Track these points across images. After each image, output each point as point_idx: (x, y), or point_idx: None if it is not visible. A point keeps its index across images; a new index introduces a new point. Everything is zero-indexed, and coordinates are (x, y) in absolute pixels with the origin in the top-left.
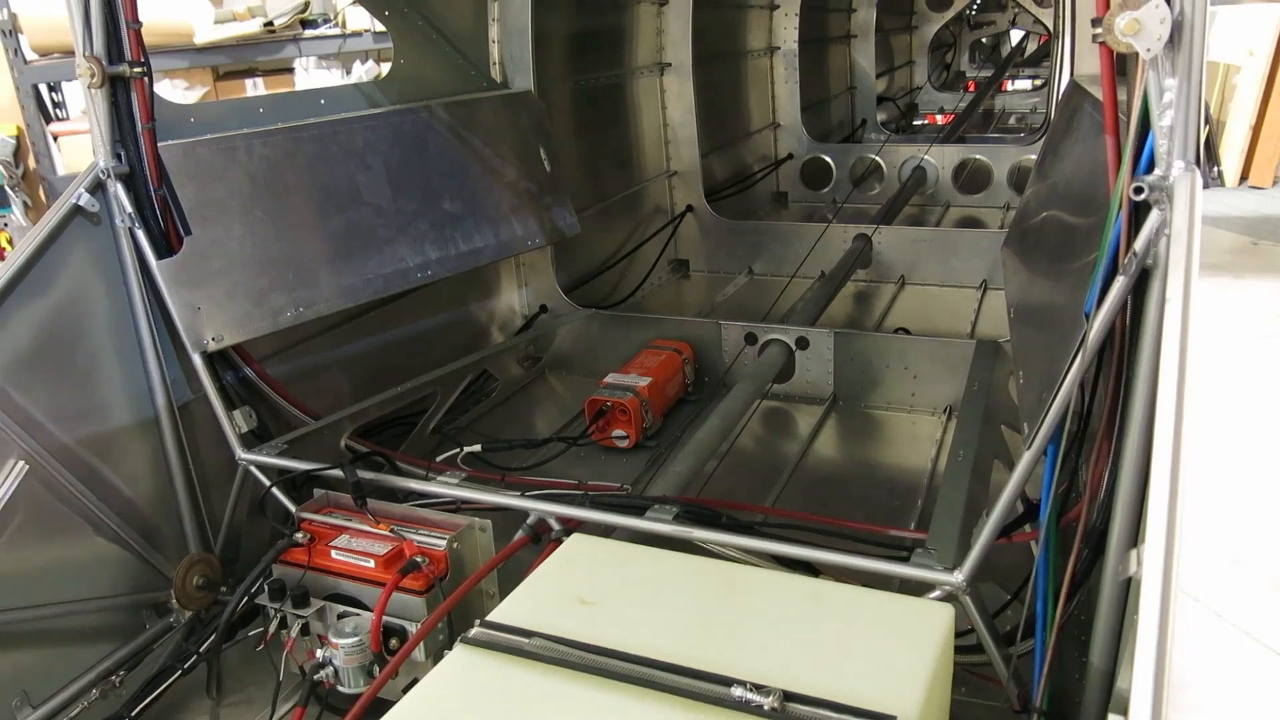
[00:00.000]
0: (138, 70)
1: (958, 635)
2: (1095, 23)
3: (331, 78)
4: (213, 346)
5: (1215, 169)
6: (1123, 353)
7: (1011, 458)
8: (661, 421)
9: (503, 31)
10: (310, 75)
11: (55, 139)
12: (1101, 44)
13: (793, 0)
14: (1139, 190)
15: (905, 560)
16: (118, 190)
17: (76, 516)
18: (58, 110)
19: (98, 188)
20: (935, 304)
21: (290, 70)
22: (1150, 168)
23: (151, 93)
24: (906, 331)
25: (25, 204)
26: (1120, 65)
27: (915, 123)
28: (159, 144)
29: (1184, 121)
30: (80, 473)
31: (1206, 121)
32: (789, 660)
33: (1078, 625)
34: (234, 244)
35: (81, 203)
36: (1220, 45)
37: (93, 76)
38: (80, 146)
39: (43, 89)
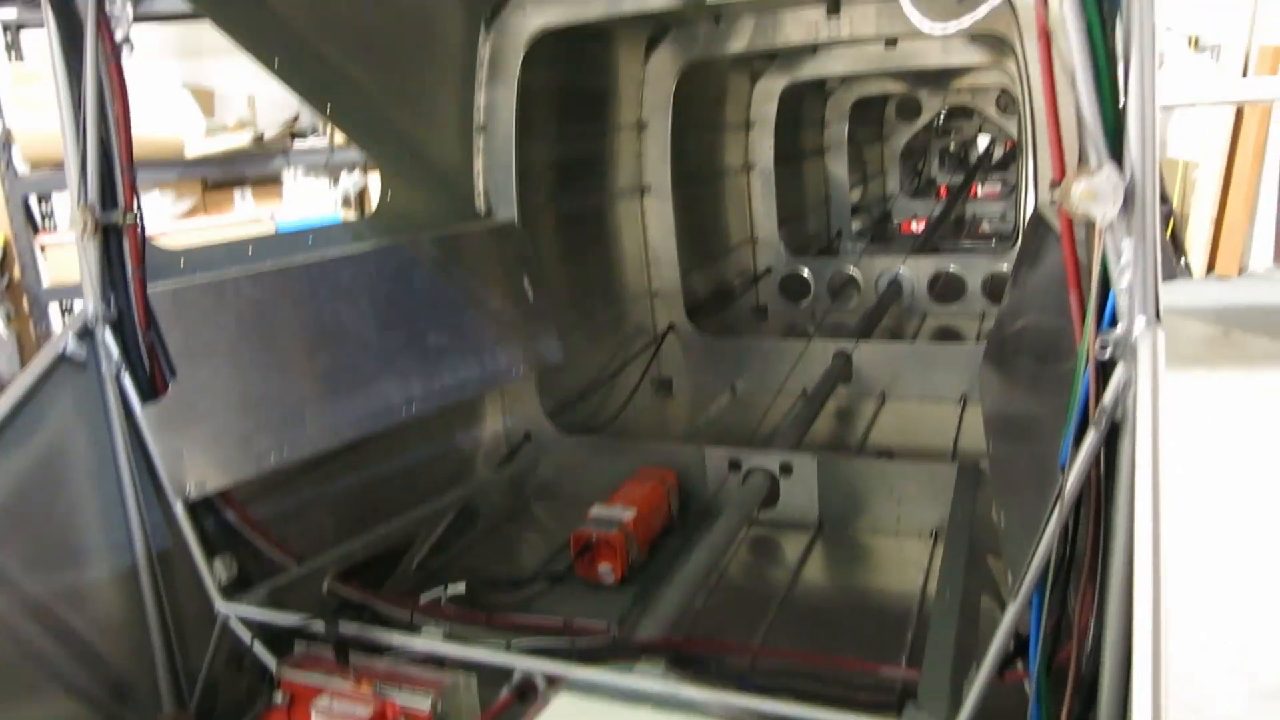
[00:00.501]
0: (130, 218)
1: None
2: (1053, 186)
3: (319, 186)
4: (195, 494)
5: (1182, 260)
6: (1099, 503)
7: (999, 588)
8: (648, 553)
9: (487, 163)
10: (298, 185)
11: (42, 249)
12: (1060, 207)
13: (767, 119)
14: (1104, 347)
15: (897, 714)
16: (105, 336)
17: (43, 675)
18: (46, 221)
19: (85, 334)
20: (916, 420)
21: (278, 181)
22: (1114, 322)
23: (143, 239)
24: (889, 454)
25: (7, 315)
26: None
27: (890, 228)
28: (148, 288)
29: (1142, 281)
30: (51, 626)
31: (1170, 215)
32: None
33: None
34: (220, 386)
35: (68, 351)
36: (1178, 143)
37: (86, 226)
38: (67, 258)
39: (32, 199)
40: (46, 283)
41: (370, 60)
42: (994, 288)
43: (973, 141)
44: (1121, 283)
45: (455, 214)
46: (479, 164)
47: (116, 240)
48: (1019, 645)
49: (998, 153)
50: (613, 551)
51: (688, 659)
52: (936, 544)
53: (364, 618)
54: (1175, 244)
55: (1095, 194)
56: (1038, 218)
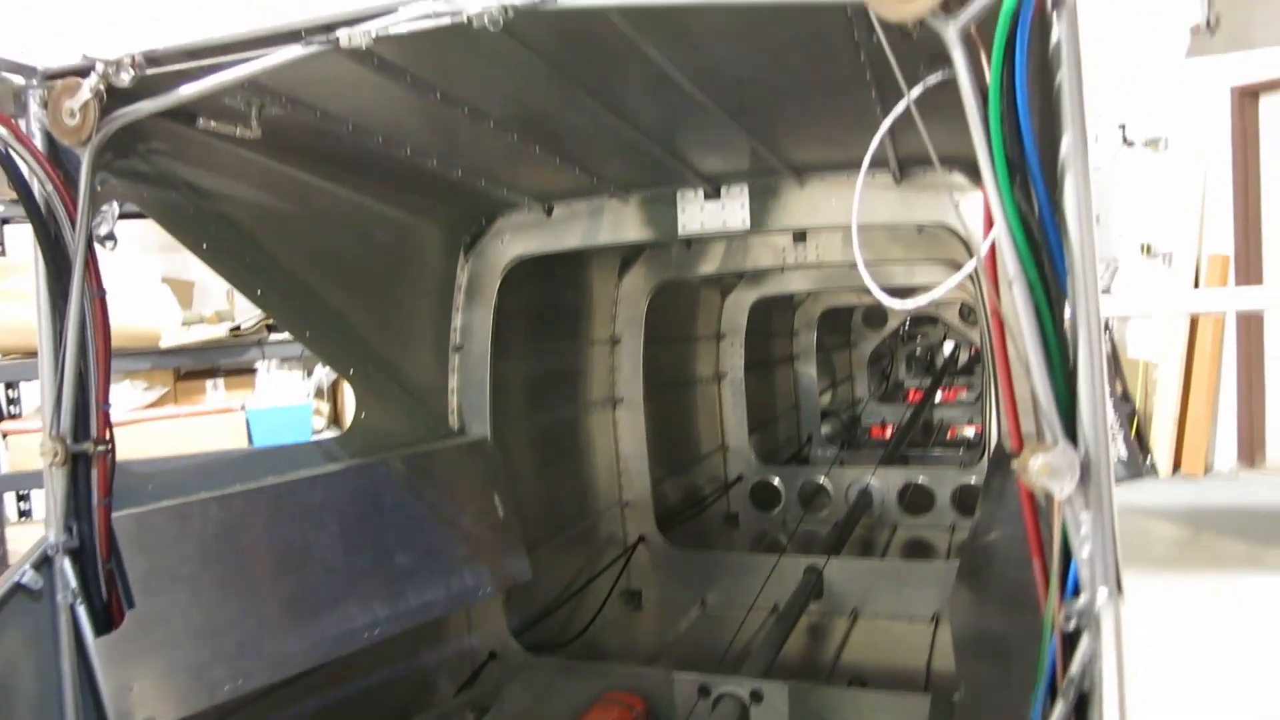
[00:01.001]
0: (101, 448)
1: None
2: (1012, 456)
3: (292, 378)
4: None
5: (1148, 459)
6: None
7: None
8: None
9: (462, 382)
10: (271, 376)
11: (4, 436)
12: (1019, 480)
13: (737, 330)
14: (1068, 618)
15: None
16: (64, 566)
17: None
18: (11, 407)
19: (43, 563)
20: (889, 639)
21: (252, 371)
22: (1076, 592)
23: (113, 467)
24: (862, 682)
25: None
26: None
27: (859, 432)
28: (113, 514)
29: (1102, 552)
30: None
31: (1134, 414)
32: None
33: None
34: (178, 615)
35: (24, 580)
36: (1138, 344)
37: (55, 455)
38: (29, 447)
39: None
40: (5, 468)
41: (352, 288)
42: (963, 500)
43: (938, 346)
44: (1083, 554)
45: (428, 431)
46: (454, 382)
47: (85, 468)
48: None
49: (962, 357)
50: None
51: None
52: None
53: None
54: (1141, 443)
55: (1052, 469)
56: (1001, 450)
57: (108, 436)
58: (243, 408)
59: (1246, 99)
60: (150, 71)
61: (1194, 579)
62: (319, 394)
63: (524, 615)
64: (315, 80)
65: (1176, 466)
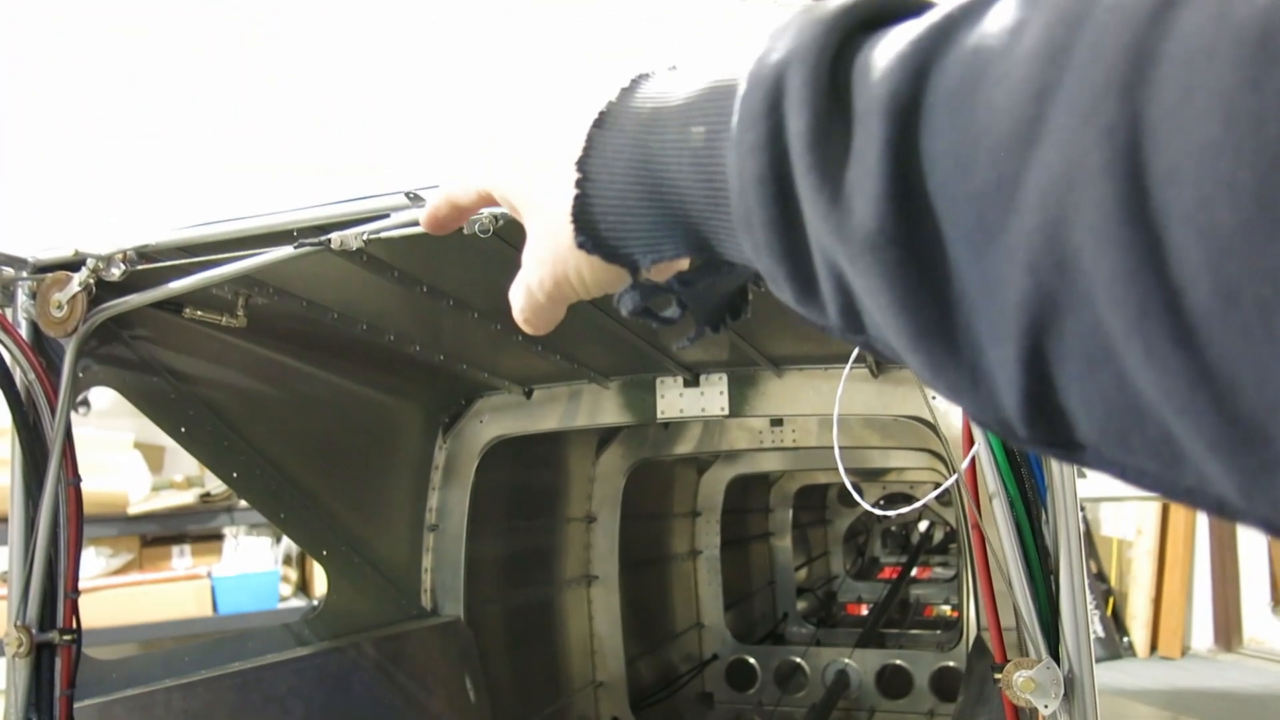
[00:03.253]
0: (67, 638)
1: None
2: (995, 668)
3: (260, 544)
4: None
5: (1125, 640)
6: None
7: None
8: None
9: (435, 561)
10: (239, 542)
11: None
12: (1003, 694)
13: (714, 507)
14: None
15: None
16: None
17: None
18: None
19: None
20: None
21: (220, 538)
22: None
23: (78, 657)
24: None
25: None
26: None
27: (835, 609)
28: (75, 705)
29: None
30: None
31: (1110, 593)
32: None
33: None
34: None
35: None
36: (1111, 523)
37: (20, 646)
38: None
39: None
40: None
41: (328, 470)
42: (941, 683)
43: (914, 524)
44: None
45: (400, 612)
46: (428, 561)
47: (49, 658)
48: None
49: (938, 535)
50: None
51: None
52: None
53: None
54: (1118, 623)
55: (1036, 685)
56: (979, 646)
57: (74, 626)
58: (209, 574)
59: None
60: (141, 267)
61: None
62: (287, 561)
63: None
64: (303, 274)
65: (1154, 647)
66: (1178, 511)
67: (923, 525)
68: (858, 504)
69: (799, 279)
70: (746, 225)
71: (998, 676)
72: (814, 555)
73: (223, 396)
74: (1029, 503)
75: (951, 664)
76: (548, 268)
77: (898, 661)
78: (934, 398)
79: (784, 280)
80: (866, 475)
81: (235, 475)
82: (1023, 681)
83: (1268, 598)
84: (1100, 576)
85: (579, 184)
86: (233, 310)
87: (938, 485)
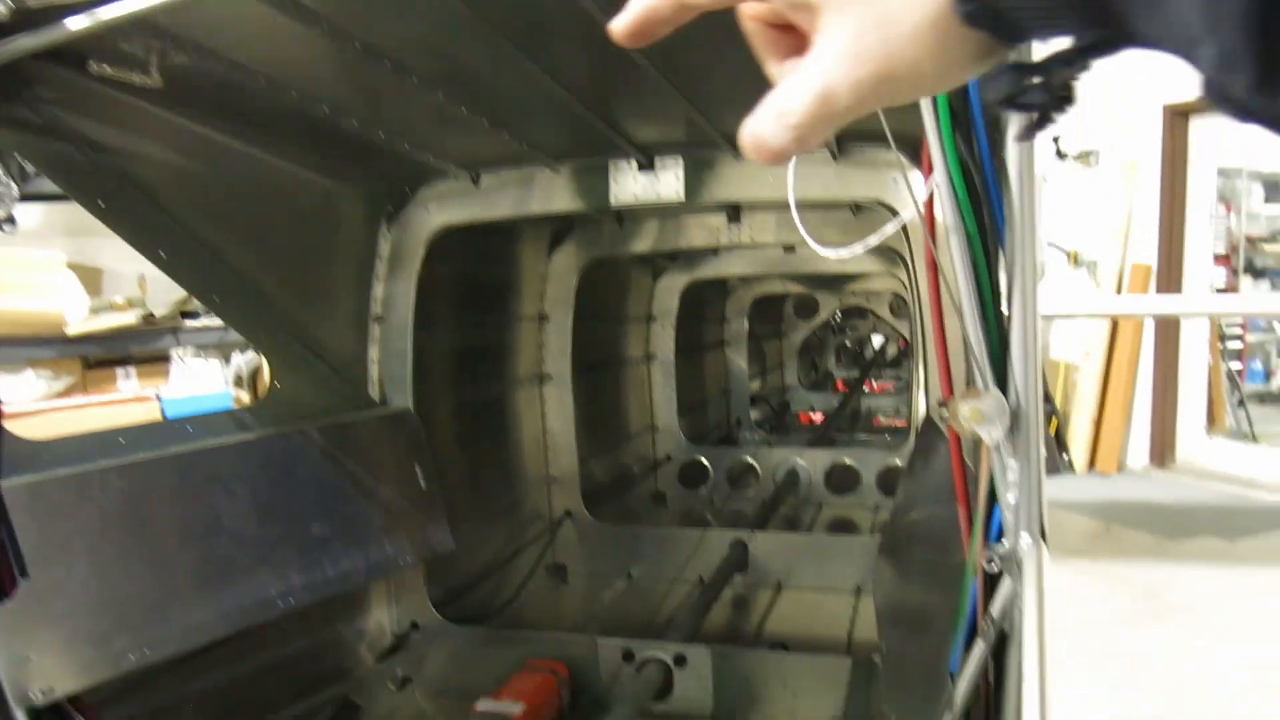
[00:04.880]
0: None
1: None
2: (941, 404)
3: (209, 366)
4: (42, 700)
5: (1065, 456)
6: (988, 712)
7: None
8: None
9: (383, 353)
10: (187, 364)
11: None
12: (948, 425)
13: (669, 313)
14: (990, 560)
15: None
16: None
17: None
18: None
19: None
20: (811, 610)
21: (166, 359)
22: (1000, 537)
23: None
24: (784, 646)
25: None
26: None
27: (788, 419)
28: (3, 482)
29: (1027, 499)
30: None
31: (1054, 414)
32: None
33: None
34: (77, 586)
35: None
36: (1060, 347)
37: None
38: None
39: None
40: None
41: (263, 254)
42: (887, 481)
43: (868, 339)
44: (1008, 499)
45: (346, 403)
46: (374, 353)
47: None
48: None
49: (891, 351)
50: None
51: None
52: None
53: None
54: (1059, 441)
55: (982, 415)
56: (929, 420)
57: None
58: (157, 397)
59: (1177, 118)
60: (31, 3)
61: (1103, 567)
62: (238, 382)
63: (447, 587)
64: (221, 25)
65: (1091, 464)
66: (1124, 336)
67: (876, 341)
68: (814, 317)
69: (1268, 62)
70: None
71: (945, 412)
72: (769, 366)
73: (146, 170)
74: (986, 238)
75: (898, 462)
76: (869, 66)
77: (846, 460)
78: (895, 179)
79: (1249, 60)
80: (824, 284)
81: (163, 255)
82: (969, 411)
83: (1203, 420)
84: (1046, 397)
85: None
86: (145, 67)
87: (896, 296)
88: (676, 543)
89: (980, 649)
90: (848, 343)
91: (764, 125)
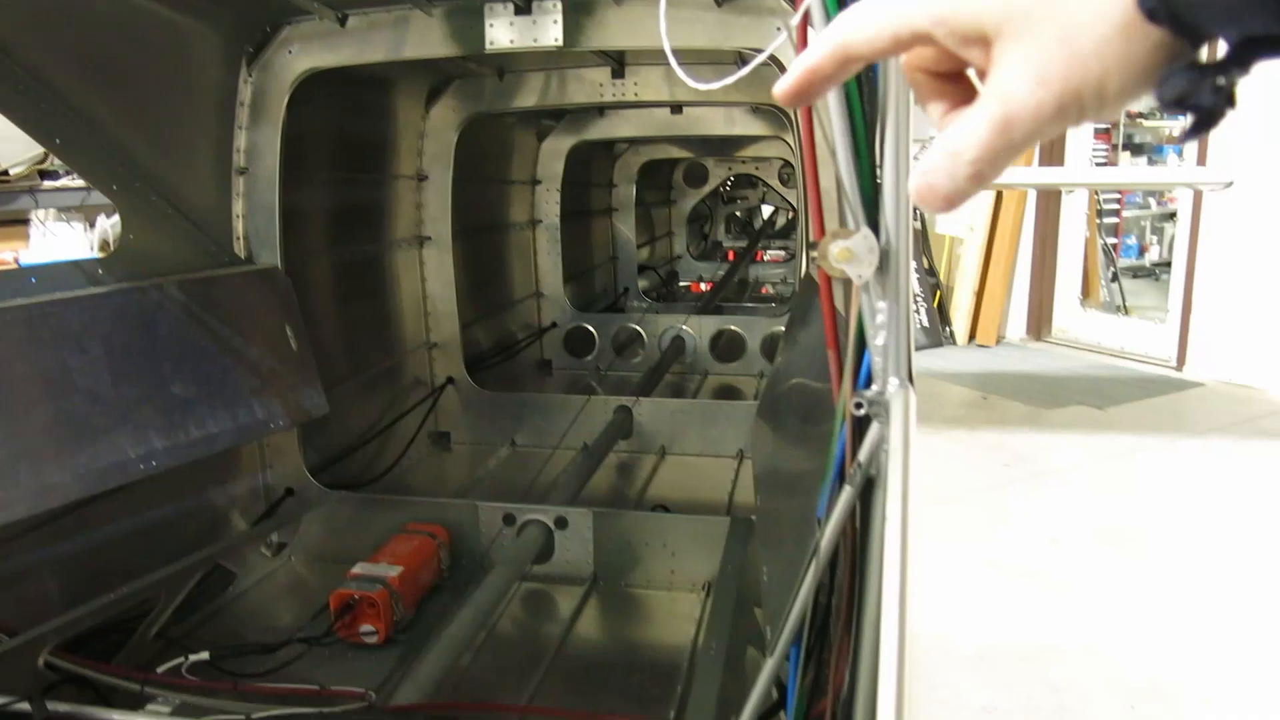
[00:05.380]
0: None
1: None
2: (811, 246)
3: (72, 231)
4: None
5: (947, 329)
6: (854, 557)
7: (765, 640)
8: (414, 612)
9: (248, 207)
10: (49, 227)
11: None
12: (819, 268)
13: (554, 177)
14: (859, 405)
15: None
16: None
17: None
18: None
19: None
20: (694, 475)
21: (25, 222)
22: (869, 382)
23: None
24: (665, 509)
25: None
26: None
27: (676, 288)
28: None
29: (895, 342)
30: None
31: (938, 287)
32: None
33: None
34: None
35: None
36: (945, 221)
37: None
38: None
39: None
40: None
41: (112, 95)
42: (773, 348)
43: (757, 209)
44: (876, 341)
45: (209, 258)
46: (238, 207)
47: None
48: (782, 698)
49: (780, 221)
50: (376, 611)
51: None
52: (709, 597)
53: (86, 695)
54: (942, 314)
55: (852, 254)
56: (808, 279)
57: None
58: (15, 261)
59: None
60: None
61: (980, 436)
62: (103, 248)
63: (323, 453)
64: None
65: (972, 336)
66: (1007, 210)
67: (766, 211)
68: (703, 185)
69: None
70: None
71: (814, 253)
72: (657, 235)
73: None
74: (861, 78)
75: (783, 329)
76: (1053, 86)
77: (733, 327)
78: (779, 28)
79: None
80: (712, 149)
81: None
82: (839, 251)
83: (1078, 292)
84: (930, 271)
85: None
86: None
87: (786, 163)
88: (561, 409)
89: (847, 494)
90: (737, 213)
91: (936, 167)
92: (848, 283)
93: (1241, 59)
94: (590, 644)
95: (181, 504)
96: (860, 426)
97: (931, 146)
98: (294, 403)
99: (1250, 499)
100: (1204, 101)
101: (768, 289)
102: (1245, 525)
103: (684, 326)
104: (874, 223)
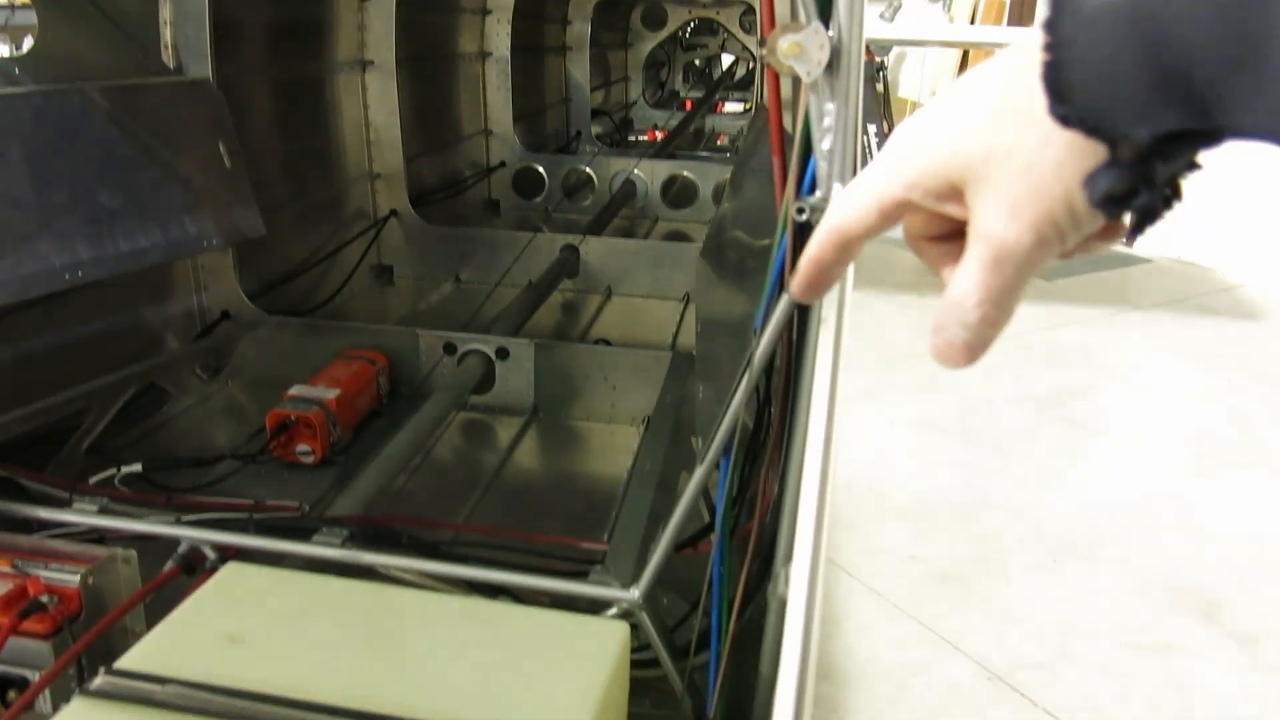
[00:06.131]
0: None
1: (640, 649)
2: (762, 43)
3: None
4: None
5: None
6: (789, 369)
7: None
8: (351, 436)
9: (176, 13)
10: None
11: None
12: (768, 66)
13: (505, 7)
14: (801, 211)
15: (585, 577)
16: None
17: None
18: None
19: None
20: (639, 316)
21: None
22: (814, 189)
23: None
24: (607, 343)
25: None
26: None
27: (630, 138)
28: None
29: (842, 145)
30: None
31: None
32: (456, 691)
33: (754, 634)
34: None
35: None
36: (908, 84)
37: None
38: None
39: None
40: None
41: None
42: (724, 195)
43: (717, 58)
44: (824, 144)
45: (134, 65)
46: (165, 13)
47: None
48: (713, 520)
49: (740, 71)
50: (312, 432)
51: (378, 533)
52: (648, 430)
53: (11, 497)
54: None
55: (801, 49)
56: (760, 107)
57: None
58: None
59: None
60: None
61: (927, 300)
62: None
63: (261, 279)
64: None
65: None
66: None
67: (725, 60)
68: (662, 29)
69: None
70: None
71: (764, 51)
72: (612, 79)
73: None
74: None
75: None
76: (1026, 215)
77: (686, 174)
78: None
79: None
80: None
81: None
82: (788, 46)
83: None
84: (892, 128)
85: (1049, 48)
86: None
87: (748, 8)
88: (507, 246)
89: (785, 303)
90: (696, 61)
91: (946, 323)
92: (797, 83)
93: (1163, 153)
94: (528, 473)
95: (112, 321)
96: (802, 234)
97: (939, 306)
98: (228, 222)
99: (1184, 372)
100: (1138, 202)
101: (724, 138)
102: (1175, 397)
103: (636, 171)
104: (825, 18)
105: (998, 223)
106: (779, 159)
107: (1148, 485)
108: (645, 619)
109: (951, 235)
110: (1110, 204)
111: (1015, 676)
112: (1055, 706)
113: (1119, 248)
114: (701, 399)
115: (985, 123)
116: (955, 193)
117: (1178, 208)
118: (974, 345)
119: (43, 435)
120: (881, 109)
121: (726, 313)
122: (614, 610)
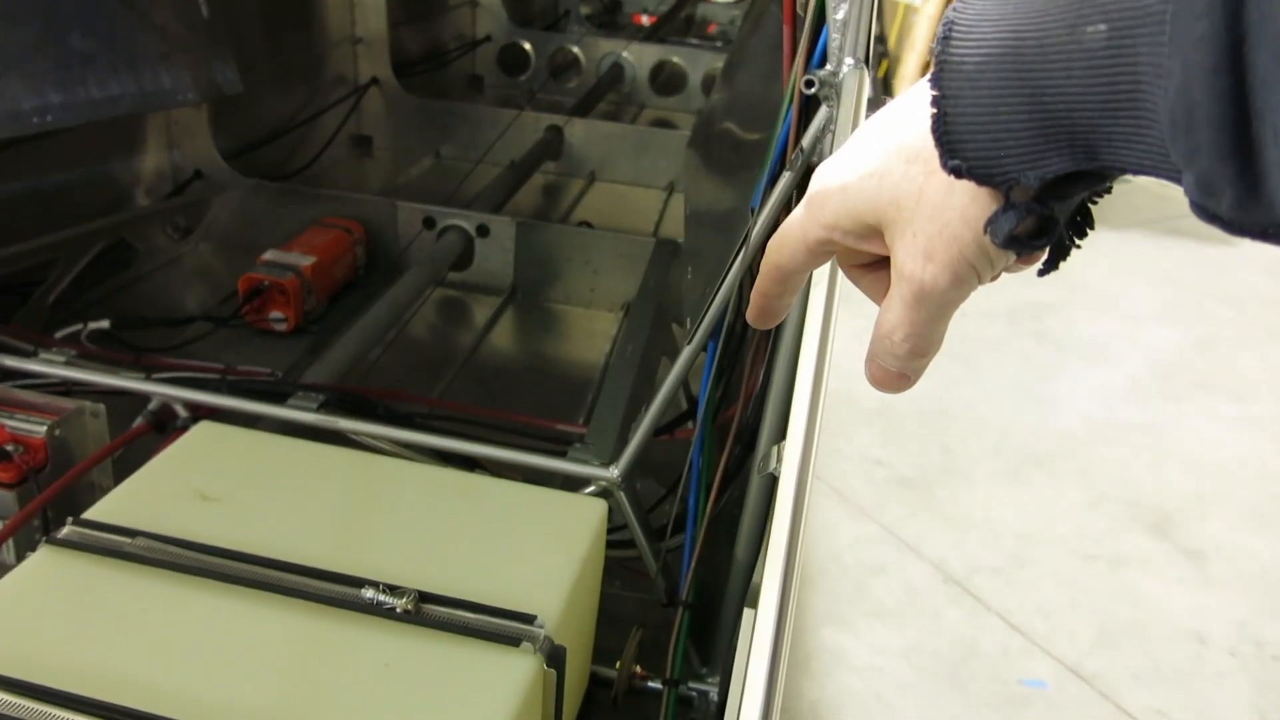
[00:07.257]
0: None
1: (615, 530)
2: None
3: None
4: None
5: (889, 101)
6: None
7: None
8: (326, 305)
9: None
10: None
11: None
12: None
13: None
14: (810, 84)
15: (563, 455)
16: None
17: None
18: None
19: None
20: (622, 201)
21: None
22: (823, 63)
23: None
24: (589, 225)
25: None
26: None
27: (620, 18)
28: None
29: (856, 18)
30: None
31: (885, 55)
32: (431, 559)
33: (729, 520)
34: None
35: None
36: None
37: None
38: None
39: None
40: None
41: None
42: (713, 85)
43: None
44: (838, 14)
45: None
46: None
47: None
48: (692, 406)
49: None
50: (286, 299)
51: (354, 401)
52: (627, 317)
53: None
54: (886, 86)
55: None
56: (752, 10)
57: None
58: None
59: None
60: None
61: None
62: None
63: (237, 140)
64: None
65: None
66: None
67: None
68: None
69: (1246, 179)
70: (1186, 126)
71: None
72: None
73: None
74: None
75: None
76: (939, 258)
77: (675, 60)
78: None
79: (1227, 182)
80: None
81: None
82: None
83: None
84: (880, 38)
85: (936, 102)
86: None
87: None
88: (490, 122)
89: (786, 179)
90: None
91: (877, 352)
92: None
93: (1057, 194)
94: (504, 353)
95: (80, 172)
96: (808, 109)
97: (872, 334)
98: (204, 76)
99: (1156, 293)
100: (1043, 241)
101: (714, 26)
102: (1145, 316)
103: (624, 54)
104: None
105: (914, 265)
106: (789, 28)
107: (1113, 402)
108: (624, 498)
109: (881, 263)
110: (1015, 244)
111: (971, 580)
112: (1006, 610)
113: None
114: (688, 282)
115: (896, 167)
116: (875, 233)
117: (1091, 235)
118: (906, 374)
119: (6, 287)
120: (873, 14)
121: (715, 204)
122: (592, 488)
